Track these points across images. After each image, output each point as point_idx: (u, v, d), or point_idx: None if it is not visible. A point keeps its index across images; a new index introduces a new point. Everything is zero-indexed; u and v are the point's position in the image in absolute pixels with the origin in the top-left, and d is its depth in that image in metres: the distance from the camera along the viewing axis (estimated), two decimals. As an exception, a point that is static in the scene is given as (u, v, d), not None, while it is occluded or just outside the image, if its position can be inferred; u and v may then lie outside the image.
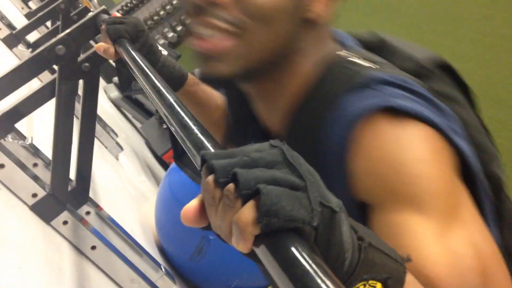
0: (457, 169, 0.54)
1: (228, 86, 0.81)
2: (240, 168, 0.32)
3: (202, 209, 0.35)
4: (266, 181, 0.30)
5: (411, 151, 0.51)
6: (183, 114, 0.46)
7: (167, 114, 0.49)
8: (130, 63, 0.68)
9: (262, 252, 0.30)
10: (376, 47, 0.70)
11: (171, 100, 0.50)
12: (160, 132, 3.16)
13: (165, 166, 3.19)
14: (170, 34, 7.01)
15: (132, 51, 0.72)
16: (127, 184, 2.04)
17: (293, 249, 0.28)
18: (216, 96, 0.98)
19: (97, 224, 1.22)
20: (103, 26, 0.83)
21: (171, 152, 2.88)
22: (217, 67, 0.60)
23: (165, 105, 0.50)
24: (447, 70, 0.67)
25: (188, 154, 0.42)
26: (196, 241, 1.68)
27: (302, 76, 0.62)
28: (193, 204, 0.35)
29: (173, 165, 2.07)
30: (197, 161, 0.39)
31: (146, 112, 3.57)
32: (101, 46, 0.83)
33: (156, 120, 3.25)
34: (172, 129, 0.47)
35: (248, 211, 0.30)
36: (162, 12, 6.98)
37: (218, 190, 0.32)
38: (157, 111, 3.21)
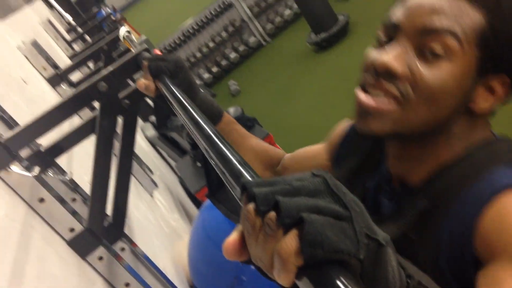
0: None
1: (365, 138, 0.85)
2: (282, 196, 0.31)
3: (243, 241, 0.33)
4: (309, 210, 0.29)
5: None
6: (221, 145, 0.46)
7: (205, 145, 0.48)
8: (169, 97, 0.70)
9: (305, 285, 0.28)
10: None
11: (210, 131, 0.50)
12: (194, 170, 3.19)
13: (197, 204, 3.19)
14: (206, 75, 7.20)
15: (171, 86, 0.74)
16: (161, 221, 2.04)
17: (338, 282, 0.26)
18: (249, 138, 0.99)
19: (131, 261, 1.21)
20: (145, 63, 0.85)
21: (205, 189, 2.89)
22: (371, 124, 0.63)
23: (203, 136, 0.50)
24: None
25: (227, 184, 0.41)
26: (228, 281, 1.64)
27: (450, 151, 0.65)
28: (233, 236, 0.34)
29: (206, 202, 2.06)
30: (236, 191, 0.38)
31: (180, 151, 3.63)
32: (142, 82, 0.85)
33: (190, 158, 3.29)
34: (211, 161, 0.47)
35: (290, 241, 0.28)
36: (198, 55, 7.20)
37: (259, 218, 0.31)
38: (191, 149, 3.26)
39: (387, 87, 0.62)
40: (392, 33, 0.65)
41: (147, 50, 1.02)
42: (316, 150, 0.95)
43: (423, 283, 0.34)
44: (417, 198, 0.64)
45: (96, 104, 1.04)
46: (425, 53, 0.61)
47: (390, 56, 0.62)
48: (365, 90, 0.65)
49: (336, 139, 0.89)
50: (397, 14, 0.65)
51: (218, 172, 0.44)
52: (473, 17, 0.60)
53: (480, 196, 0.55)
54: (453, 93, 0.61)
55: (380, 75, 0.63)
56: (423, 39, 0.61)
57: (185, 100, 0.65)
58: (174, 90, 0.71)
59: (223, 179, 0.42)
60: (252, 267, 0.35)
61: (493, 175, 0.56)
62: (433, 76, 0.60)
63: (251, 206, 0.32)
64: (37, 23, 3.12)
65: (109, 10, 4.21)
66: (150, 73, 0.84)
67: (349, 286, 0.26)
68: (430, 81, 0.60)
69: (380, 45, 0.67)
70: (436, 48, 0.60)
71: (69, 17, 4.46)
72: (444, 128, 0.64)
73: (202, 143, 0.50)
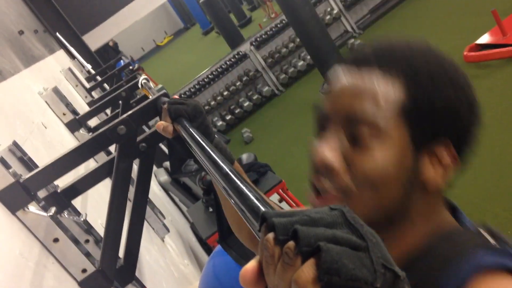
0: None
1: None
2: (301, 226, 0.32)
3: (261, 271, 0.34)
4: (326, 239, 0.30)
5: None
6: (238, 182, 0.47)
7: (223, 183, 0.50)
8: (187, 138, 0.72)
9: None
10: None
11: (227, 170, 0.52)
12: (206, 216, 3.18)
13: (208, 250, 3.16)
14: (220, 123, 7.32)
15: (190, 128, 0.76)
16: (171, 266, 2.02)
17: None
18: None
19: (141, 305, 1.20)
20: (165, 106, 0.88)
21: (216, 236, 2.87)
22: None
23: (221, 175, 0.52)
24: None
25: (245, 220, 0.42)
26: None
27: (412, 238, 0.61)
28: (251, 265, 0.35)
29: (217, 248, 2.04)
30: (253, 226, 0.39)
31: (192, 196, 3.64)
32: (161, 124, 0.87)
33: (202, 204, 3.28)
34: (230, 199, 0.48)
35: (308, 269, 0.29)
36: (212, 103, 7.35)
37: (278, 248, 0.32)
38: (203, 194, 3.25)
39: (328, 186, 0.60)
40: (324, 122, 0.64)
41: (165, 95, 1.05)
42: None
43: None
44: None
45: (113, 148, 1.07)
46: (356, 140, 0.59)
47: (325, 151, 0.60)
48: (315, 189, 0.63)
49: None
50: (325, 102, 0.64)
51: (236, 209, 0.45)
52: (392, 92, 0.58)
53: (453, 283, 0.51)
54: (396, 174, 0.58)
55: (320, 172, 0.61)
56: (350, 126, 0.59)
57: (202, 140, 0.67)
58: (192, 131, 0.74)
59: (241, 215, 0.43)
60: None
61: (461, 265, 0.52)
62: (370, 163, 0.57)
63: (270, 236, 0.33)
64: (58, 71, 3.24)
65: (127, 60, 4.36)
66: (170, 116, 0.86)
67: None
68: (367, 168, 0.57)
69: (318, 135, 0.65)
70: (361, 135, 0.58)
71: (89, 66, 4.63)
72: (398, 212, 0.60)
73: (220, 182, 0.52)
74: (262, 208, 0.40)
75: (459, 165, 0.61)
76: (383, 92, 0.58)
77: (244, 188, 0.45)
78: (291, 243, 0.31)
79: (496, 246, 0.55)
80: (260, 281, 0.34)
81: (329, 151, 0.59)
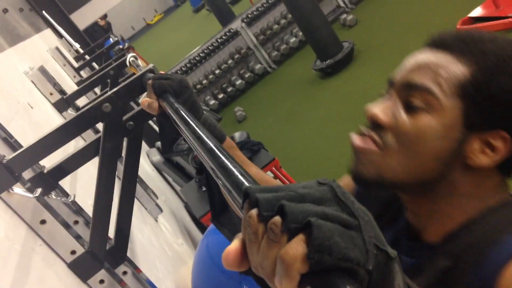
0: None
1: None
2: (288, 202, 0.29)
3: (244, 251, 0.32)
4: (315, 216, 0.28)
5: None
6: (223, 158, 0.45)
7: (207, 159, 0.48)
8: (172, 114, 0.69)
9: None
10: None
11: (211, 145, 0.50)
12: (199, 195, 3.17)
13: (202, 229, 3.16)
14: (212, 102, 7.26)
15: (175, 103, 0.73)
16: (165, 245, 2.01)
17: None
18: (250, 166, 0.98)
19: (134, 285, 1.19)
20: (150, 81, 0.85)
21: (210, 215, 2.87)
22: (359, 167, 0.68)
23: (205, 150, 0.49)
24: None
25: (230, 198, 0.40)
26: (233, 307, 1.60)
27: (464, 211, 0.65)
28: (233, 244, 0.33)
29: (210, 227, 2.04)
30: (238, 202, 0.37)
31: (186, 176, 3.62)
32: (146, 100, 0.84)
33: (196, 183, 3.27)
34: (214, 175, 0.46)
35: (296, 245, 0.27)
36: (204, 81, 7.28)
37: (262, 225, 0.30)
38: (196, 173, 3.24)
39: (373, 135, 0.68)
40: (389, 88, 0.71)
41: (151, 71, 1.02)
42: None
43: None
44: (438, 256, 0.63)
45: (100, 126, 1.04)
46: (409, 106, 0.65)
47: (378, 108, 0.68)
48: (358, 136, 0.70)
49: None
50: (396, 72, 0.72)
51: (220, 185, 0.43)
52: (457, 70, 0.63)
53: (499, 257, 0.55)
54: (437, 145, 0.62)
55: (371, 125, 0.68)
56: (406, 93, 0.66)
57: (187, 116, 0.64)
58: (177, 107, 0.71)
59: (226, 193, 0.41)
60: (252, 278, 0.34)
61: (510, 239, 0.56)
62: (412, 125, 0.64)
63: (253, 212, 0.31)
64: (45, 50, 3.17)
65: (116, 39, 4.29)
66: (154, 91, 0.83)
67: None
68: (408, 129, 0.64)
69: (382, 97, 0.74)
70: (415, 102, 0.64)
71: (77, 46, 4.54)
72: (444, 183, 0.65)
73: (204, 157, 0.50)
74: (246, 183, 0.38)
75: None
76: (445, 66, 0.64)
77: (228, 163, 0.43)
78: (276, 219, 0.29)
79: None
80: (243, 262, 0.32)
81: (382, 109, 0.67)
